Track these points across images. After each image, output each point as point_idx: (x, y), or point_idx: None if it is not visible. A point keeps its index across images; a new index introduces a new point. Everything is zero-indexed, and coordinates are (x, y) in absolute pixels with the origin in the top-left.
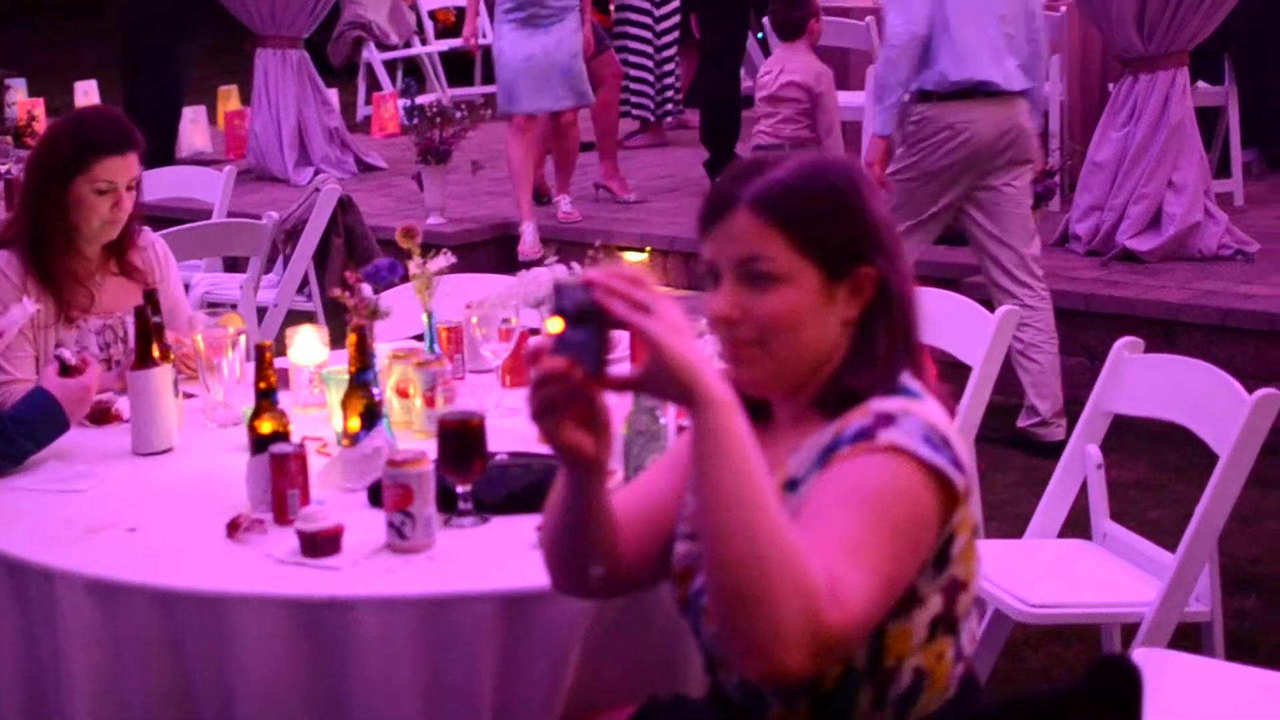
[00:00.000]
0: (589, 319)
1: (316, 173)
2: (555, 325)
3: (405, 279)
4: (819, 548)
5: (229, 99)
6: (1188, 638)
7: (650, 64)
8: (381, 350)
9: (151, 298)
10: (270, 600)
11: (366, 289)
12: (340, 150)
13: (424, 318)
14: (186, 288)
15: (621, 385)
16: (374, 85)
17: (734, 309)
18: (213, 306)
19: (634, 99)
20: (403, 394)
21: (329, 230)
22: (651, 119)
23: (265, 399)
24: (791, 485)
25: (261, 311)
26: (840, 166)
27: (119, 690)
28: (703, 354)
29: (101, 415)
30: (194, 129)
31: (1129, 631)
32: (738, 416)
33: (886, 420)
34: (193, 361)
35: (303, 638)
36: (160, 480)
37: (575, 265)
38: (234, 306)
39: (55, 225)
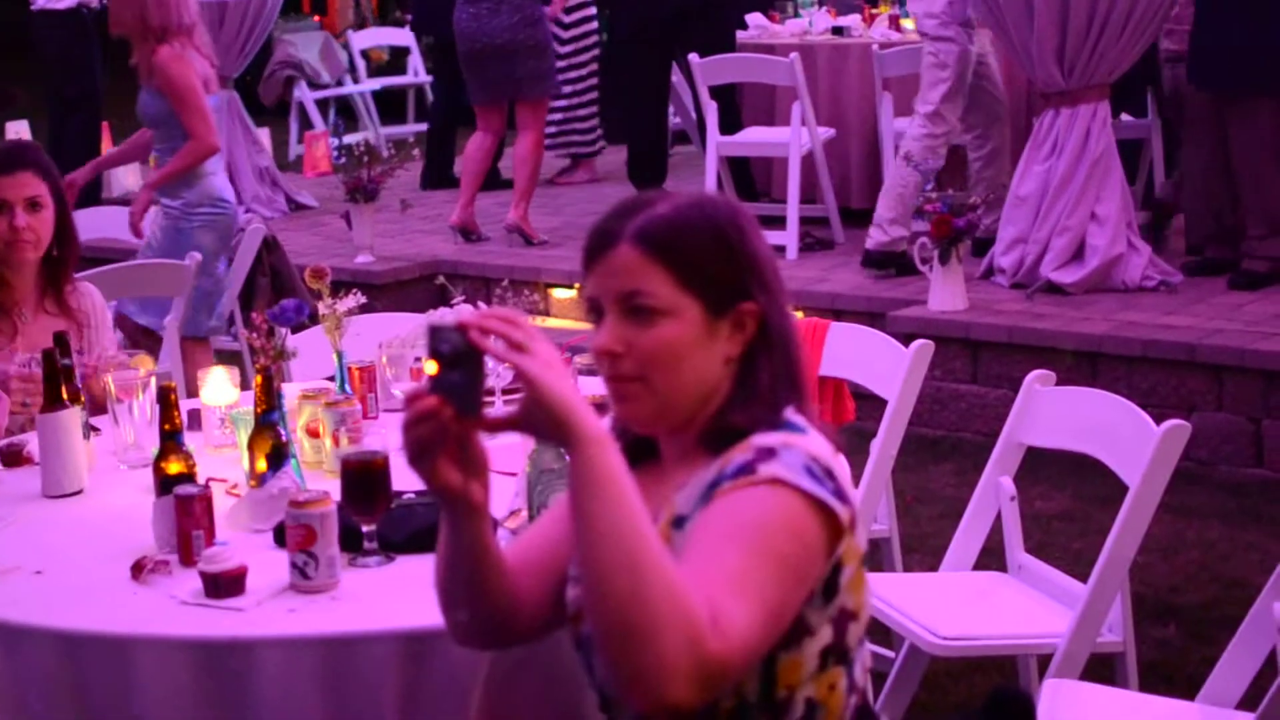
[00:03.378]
0: (464, 360)
1: (247, 212)
2: (430, 368)
3: (314, 319)
4: (701, 580)
5: None
6: (1106, 668)
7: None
8: (291, 390)
9: (61, 340)
10: (173, 642)
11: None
12: (270, 189)
13: (334, 357)
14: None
15: (497, 425)
16: (306, 124)
17: (616, 343)
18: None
19: (558, 133)
20: (313, 434)
21: (254, 270)
22: (580, 154)
23: (170, 440)
24: (678, 523)
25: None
26: (723, 203)
27: None
28: (578, 392)
29: (13, 458)
30: (125, 169)
31: (1046, 663)
32: (612, 453)
33: (768, 454)
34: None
35: (206, 678)
36: (69, 522)
37: (480, 304)
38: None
39: None
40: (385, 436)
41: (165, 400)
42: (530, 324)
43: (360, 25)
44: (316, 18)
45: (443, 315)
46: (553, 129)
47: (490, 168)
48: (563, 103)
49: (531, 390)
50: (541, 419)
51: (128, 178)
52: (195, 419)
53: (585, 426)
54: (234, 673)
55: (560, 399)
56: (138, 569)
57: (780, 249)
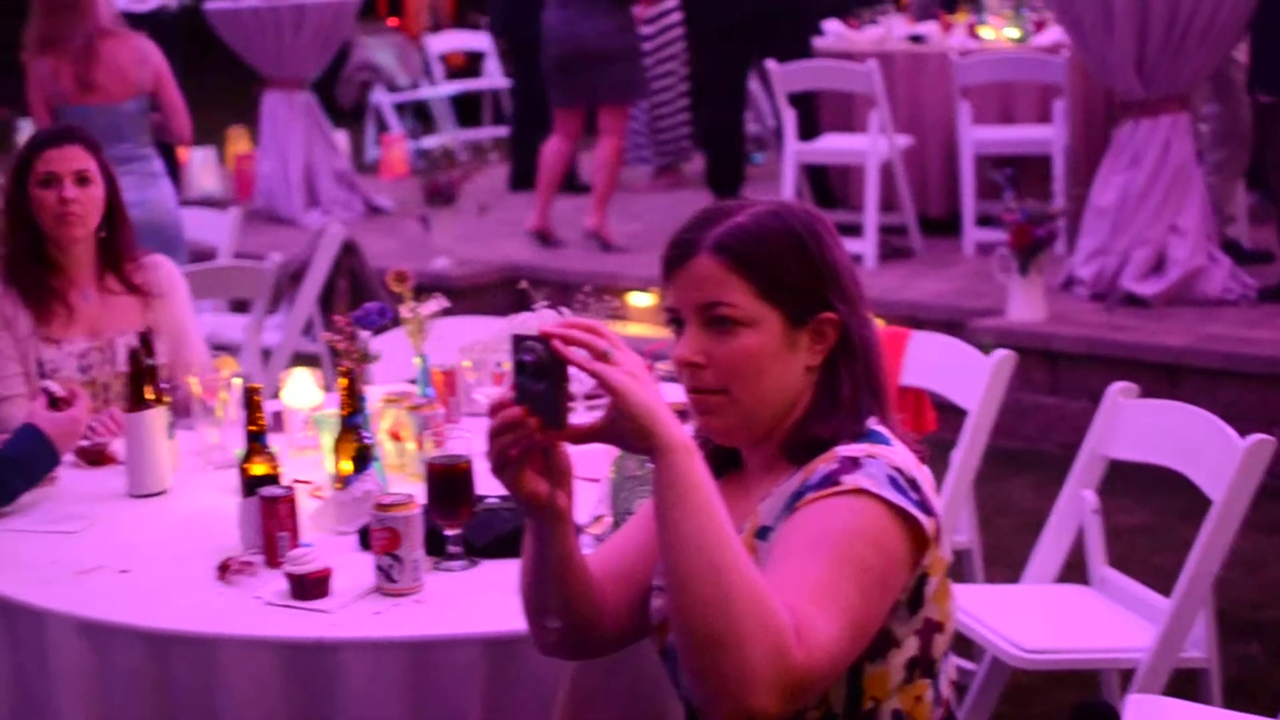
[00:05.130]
0: (548, 370)
1: (324, 214)
2: (515, 377)
3: (396, 323)
4: (786, 590)
5: (238, 141)
6: (1189, 684)
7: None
8: (374, 394)
9: (146, 340)
10: (258, 642)
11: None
12: (348, 192)
13: (416, 361)
14: None
15: (582, 435)
16: (382, 127)
17: (697, 354)
18: (217, 348)
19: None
20: (395, 437)
21: (334, 273)
22: (657, 164)
23: (256, 441)
24: (763, 533)
25: (267, 354)
26: (801, 212)
27: None
28: (662, 400)
29: (97, 457)
30: (203, 171)
31: (1128, 678)
32: (697, 461)
33: (852, 464)
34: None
35: (290, 679)
36: (153, 522)
37: (564, 310)
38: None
39: (21, 239)
40: (468, 441)
41: (250, 401)
42: (613, 332)
43: (436, 29)
44: (393, 21)
45: (525, 322)
46: (640, 135)
47: (567, 172)
48: (647, 105)
49: (616, 399)
50: (626, 428)
51: (206, 180)
52: (277, 421)
53: (670, 435)
54: (318, 674)
55: (645, 408)
56: (224, 569)
57: (858, 257)
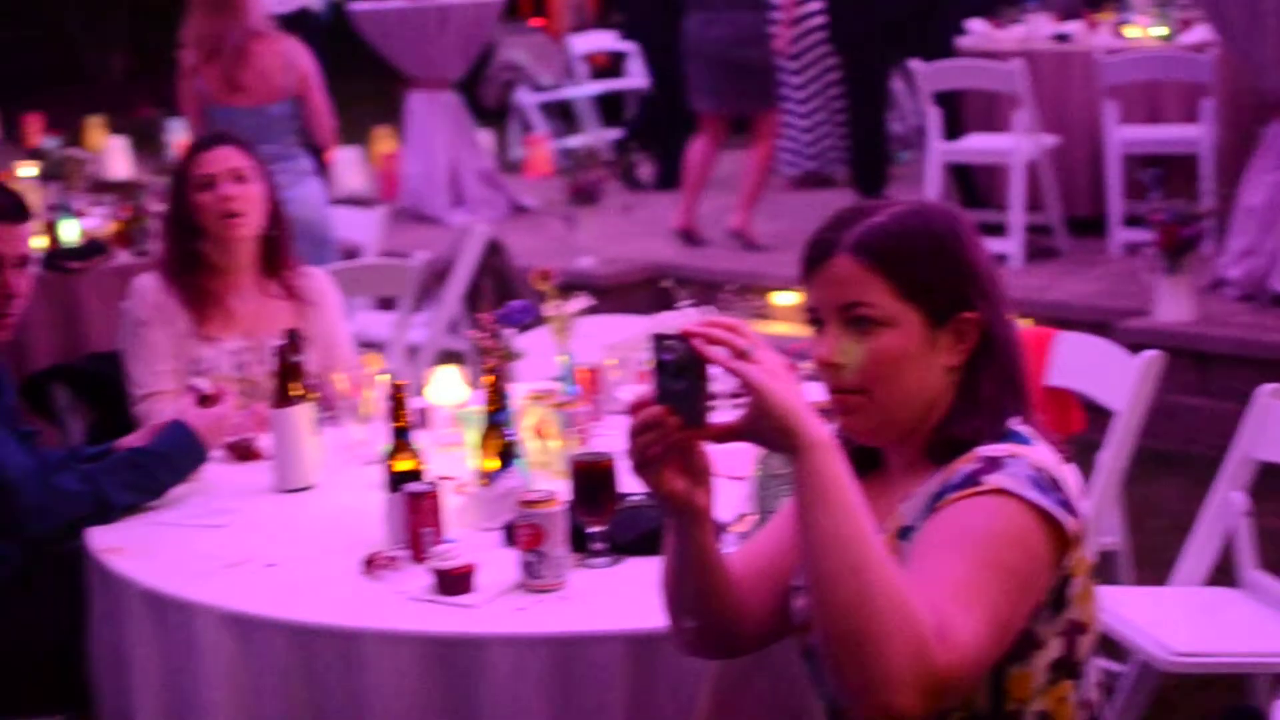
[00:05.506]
0: (689, 369)
1: (469, 214)
2: (655, 376)
3: (540, 321)
4: (927, 590)
5: (384, 141)
6: None
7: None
8: (519, 391)
9: (293, 337)
10: (403, 636)
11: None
12: (492, 191)
13: (561, 359)
14: None
15: (722, 434)
16: (526, 127)
17: (837, 354)
18: (363, 345)
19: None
20: (540, 434)
21: (479, 272)
22: (800, 172)
23: (401, 438)
24: (905, 534)
25: (413, 351)
26: (941, 211)
27: None
28: (803, 398)
29: (245, 452)
30: (349, 171)
31: (1279, 682)
32: (838, 459)
33: (993, 464)
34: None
35: (434, 674)
36: (299, 517)
37: (709, 308)
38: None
39: (183, 243)
40: (612, 438)
41: (396, 398)
42: (754, 331)
43: (580, 29)
44: (537, 21)
45: (667, 321)
46: (792, 137)
47: (710, 172)
48: (804, 110)
49: (756, 397)
50: (766, 426)
51: (352, 179)
52: (423, 417)
53: (810, 432)
54: (462, 669)
55: (785, 406)
56: (369, 564)
57: (1003, 257)
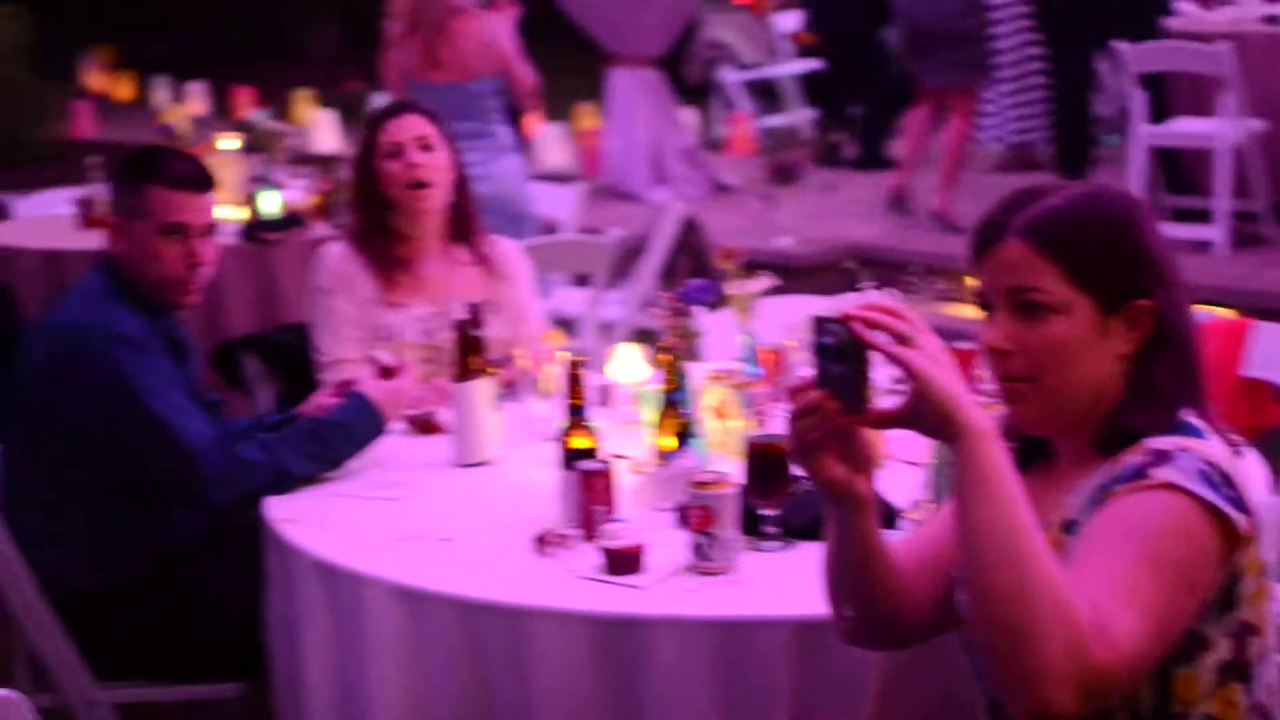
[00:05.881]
0: (849, 353)
1: (670, 191)
2: (816, 360)
3: (724, 300)
4: (1087, 585)
5: (587, 117)
6: None
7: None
8: (700, 370)
9: (475, 311)
10: (570, 615)
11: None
12: (693, 169)
13: (742, 339)
14: None
15: (883, 420)
16: (729, 105)
17: (1006, 340)
18: (558, 322)
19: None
20: (719, 415)
21: (675, 250)
22: (1001, 147)
23: (576, 415)
24: (1069, 527)
25: (608, 328)
26: (1117, 195)
27: (424, 696)
28: (962, 385)
29: (426, 426)
30: (552, 146)
31: None
32: (997, 447)
33: (1162, 457)
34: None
35: (601, 654)
36: (476, 491)
37: (893, 290)
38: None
39: (370, 211)
40: None
41: (573, 375)
42: (915, 315)
43: (785, 6)
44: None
45: (834, 304)
46: (993, 116)
47: (927, 143)
48: (1007, 89)
49: (916, 383)
50: (927, 413)
51: (554, 155)
52: (606, 394)
53: (970, 420)
54: (628, 650)
55: (944, 393)
56: (541, 541)
57: (1208, 244)
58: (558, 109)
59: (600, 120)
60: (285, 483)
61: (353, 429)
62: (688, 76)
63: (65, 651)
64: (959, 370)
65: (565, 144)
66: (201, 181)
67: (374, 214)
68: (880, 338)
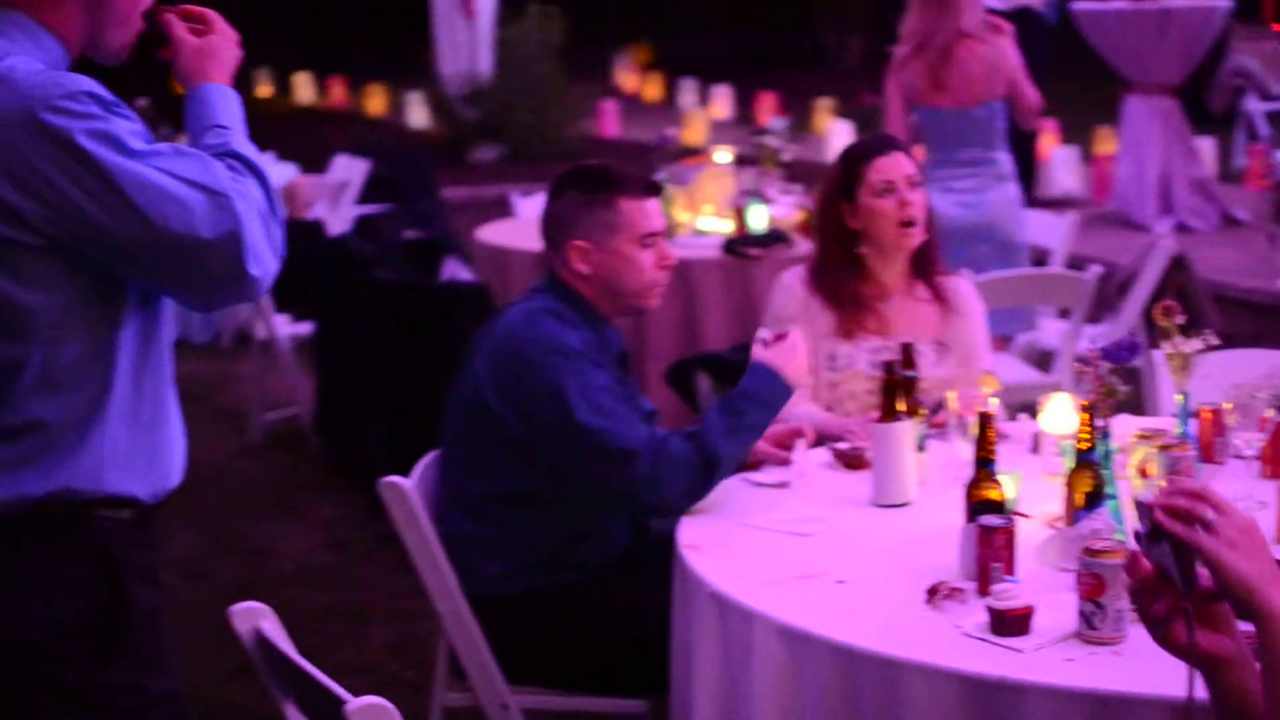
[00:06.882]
0: (1162, 536)
1: (1177, 223)
2: (1139, 540)
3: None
4: None
5: (1103, 142)
6: None
7: None
8: (1129, 426)
9: (907, 352)
10: (942, 672)
11: (1105, 366)
12: (1204, 201)
13: (1177, 398)
14: None
15: (1209, 597)
16: (1252, 135)
17: None
18: (1038, 354)
19: None
20: (1144, 475)
21: (1161, 287)
22: None
23: (984, 468)
24: None
25: None
26: None
27: None
28: (1265, 566)
29: (854, 461)
30: (1064, 169)
31: None
32: None
33: None
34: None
35: (973, 714)
36: (884, 533)
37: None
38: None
39: (838, 247)
40: (1227, 488)
41: (984, 427)
42: (1218, 496)
43: None
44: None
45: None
46: None
47: None
48: None
49: (1212, 570)
50: (1228, 596)
51: (1066, 178)
52: (1036, 443)
53: (1268, 605)
54: (1001, 713)
55: (1238, 578)
56: (933, 593)
57: None
58: (1074, 133)
59: (1116, 146)
60: (714, 469)
61: (761, 394)
62: (1213, 104)
63: (483, 654)
64: (1263, 549)
65: (1076, 167)
66: (656, 186)
67: (847, 249)
68: (1179, 527)
